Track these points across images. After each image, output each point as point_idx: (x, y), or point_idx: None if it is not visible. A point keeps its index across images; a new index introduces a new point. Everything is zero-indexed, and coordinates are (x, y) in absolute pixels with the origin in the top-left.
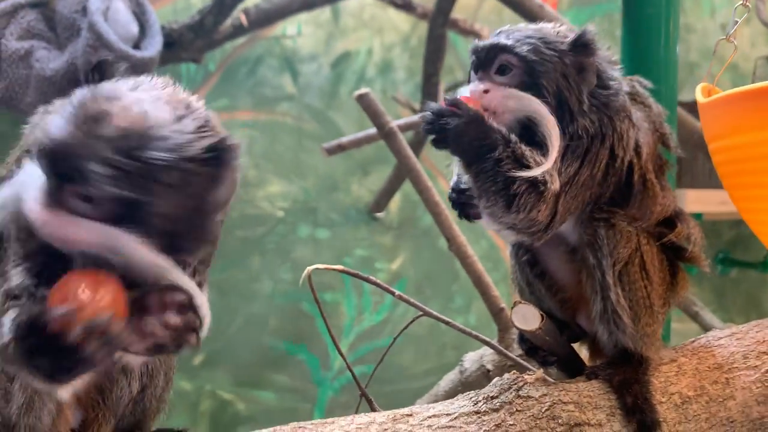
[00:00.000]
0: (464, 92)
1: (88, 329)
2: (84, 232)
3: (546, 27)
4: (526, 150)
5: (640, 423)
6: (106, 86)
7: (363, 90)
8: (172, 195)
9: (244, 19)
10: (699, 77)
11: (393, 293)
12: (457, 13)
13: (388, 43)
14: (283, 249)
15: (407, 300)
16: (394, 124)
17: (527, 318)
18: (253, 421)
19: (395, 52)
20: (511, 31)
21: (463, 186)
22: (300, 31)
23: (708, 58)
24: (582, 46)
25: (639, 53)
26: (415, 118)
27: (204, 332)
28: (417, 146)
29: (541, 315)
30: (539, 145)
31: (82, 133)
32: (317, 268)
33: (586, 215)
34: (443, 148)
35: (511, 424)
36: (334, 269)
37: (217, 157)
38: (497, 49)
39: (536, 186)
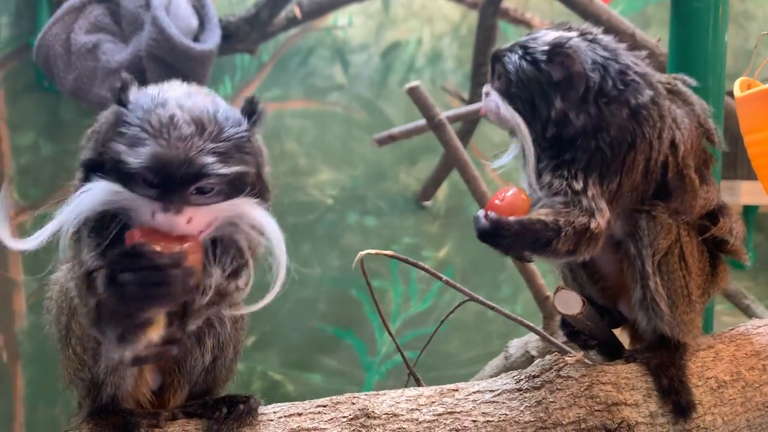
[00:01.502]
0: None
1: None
2: (218, 213)
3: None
4: (576, 217)
5: (675, 404)
6: (148, 102)
7: (413, 83)
8: (254, 159)
9: (298, 12)
10: (757, 65)
11: (441, 278)
12: (508, 2)
13: (438, 32)
14: (332, 236)
15: (454, 285)
16: (443, 115)
17: (569, 303)
18: (301, 401)
19: (445, 41)
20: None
21: None
22: (351, 21)
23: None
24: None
25: (686, 46)
26: (464, 109)
27: (281, 279)
28: (465, 136)
29: (583, 301)
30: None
31: (178, 142)
32: (369, 253)
33: (629, 209)
34: None
35: (551, 402)
36: (385, 254)
37: (254, 116)
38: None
39: (591, 234)
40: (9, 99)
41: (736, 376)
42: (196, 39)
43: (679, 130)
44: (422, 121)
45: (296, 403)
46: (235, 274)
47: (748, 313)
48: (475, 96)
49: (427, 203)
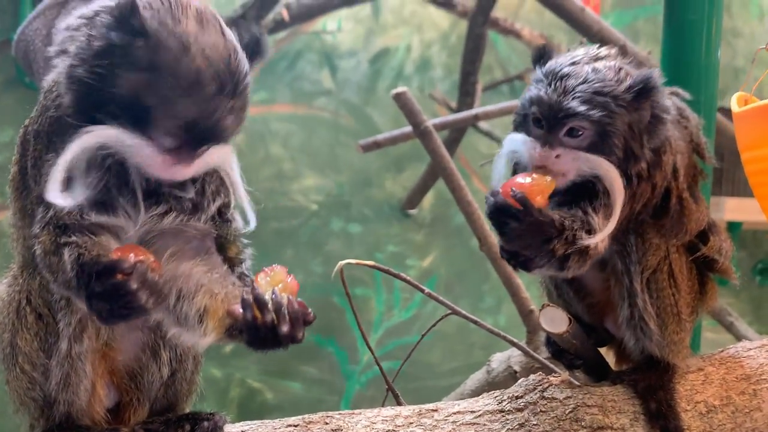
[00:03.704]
0: (524, 149)
1: (141, 273)
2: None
3: (607, 73)
4: (578, 229)
5: (663, 429)
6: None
7: (400, 89)
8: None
9: (285, 14)
10: (752, 80)
11: (422, 290)
12: (498, 12)
13: (427, 40)
14: (315, 242)
15: (436, 298)
16: (430, 123)
17: (555, 321)
18: (280, 410)
19: (434, 49)
20: (577, 87)
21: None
22: (340, 26)
23: (756, 64)
24: (646, 92)
25: (679, 59)
26: (451, 117)
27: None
28: (452, 144)
29: (569, 318)
30: (590, 193)
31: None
32: (349, 263)
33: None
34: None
35: (534, 424)
36: (365, 264)
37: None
38: (568, 115)
39: (585, 252)
40: None
41: (726, 401)
42: None
43: (679, 153)
44: (408, 128)
45: (265, 421)
46: None
47: (732, 330)
48: (462, 105)
49: (413, 211)
